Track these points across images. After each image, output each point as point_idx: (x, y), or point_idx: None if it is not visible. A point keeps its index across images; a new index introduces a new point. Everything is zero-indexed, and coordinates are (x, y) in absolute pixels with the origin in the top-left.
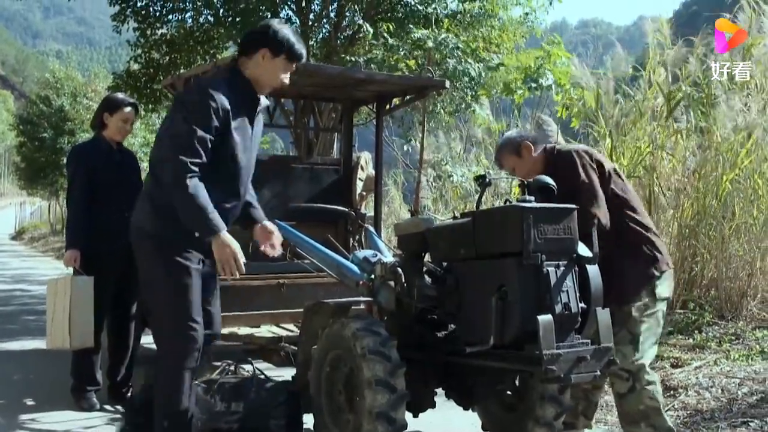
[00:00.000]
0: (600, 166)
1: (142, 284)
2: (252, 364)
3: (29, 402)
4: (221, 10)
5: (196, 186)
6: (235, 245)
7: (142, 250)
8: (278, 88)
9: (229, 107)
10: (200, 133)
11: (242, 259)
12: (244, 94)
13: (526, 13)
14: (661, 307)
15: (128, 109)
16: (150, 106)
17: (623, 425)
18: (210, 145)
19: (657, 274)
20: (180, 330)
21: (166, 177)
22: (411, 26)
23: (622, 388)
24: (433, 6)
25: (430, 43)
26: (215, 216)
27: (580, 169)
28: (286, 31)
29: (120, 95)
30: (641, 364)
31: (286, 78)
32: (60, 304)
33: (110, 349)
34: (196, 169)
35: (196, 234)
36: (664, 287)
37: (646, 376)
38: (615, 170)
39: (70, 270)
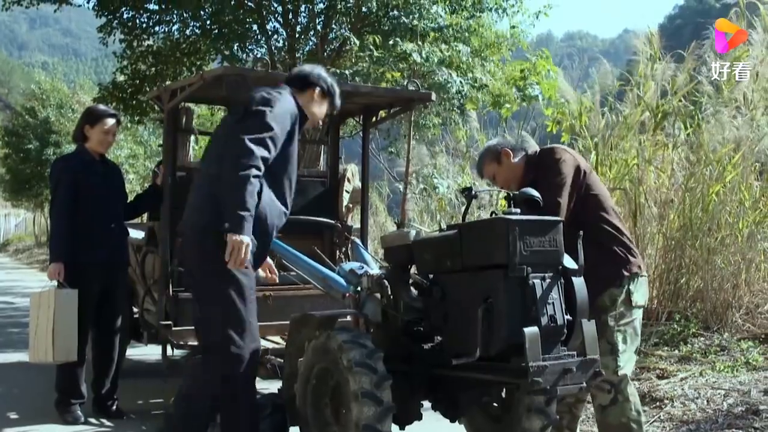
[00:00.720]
0: (576, 164)
1: (197, 285)
2: None
3: (13, 415)
4: (208, 22)
5: (255, 178)
6: (250, 245)
7: (203, 249)
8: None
9: (298, 116)
10: (275, 131)
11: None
12: (301, 114)
13: (513, 27)
14: (637, 315)
15: (110, 120)
16: (136, 117)
17: None
18: (278, 146)
19: (627, 274)
20: (242, 329)
21: (230, 161)
22: (397, 39)
23: (604, 400)
24: (420, 20)
25: (416, 57)
26: (250, 218)
27: (559, 164)
28: (333, 82)
29: (101, 107)
30: (623, 374)
31: (324, 119)
32: (43, 316)
33: (94, 361)
34: (261, 164)
35: (225, 225)
36: (640, 294)
37: (629, 388)
38: (590, 170)
39: (54, 283)
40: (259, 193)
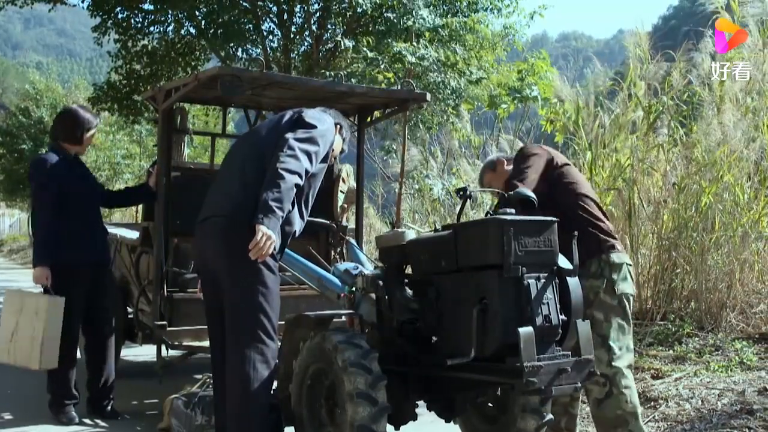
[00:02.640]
0: (549, 156)
1: (233, 279)
2: None
3: (7, 416)
4: (203, 23)
5: (296, 186)
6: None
7: (241, 243)
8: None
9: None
10: (320, 148)
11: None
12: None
13: (505, 28)
14: (625, 304)
15: (95, 123)
16: (131, 117)
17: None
18: (317, 164)
19: (603, 256)
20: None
21: (279, 162)
22: (390, 40)
23: (599, 393)
24: (413, 21)
25: (409, 57)
26: (281, 219)
27: (527, 156)
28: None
29: (88, 110)
30: (618, 367)
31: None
32: (27, 322)
33: (88, 363)
34: (303, 175)
35: (259, 216)
36: (626, 284)
37: (623, 380)
38: (565, 162)
39: (39, 287)
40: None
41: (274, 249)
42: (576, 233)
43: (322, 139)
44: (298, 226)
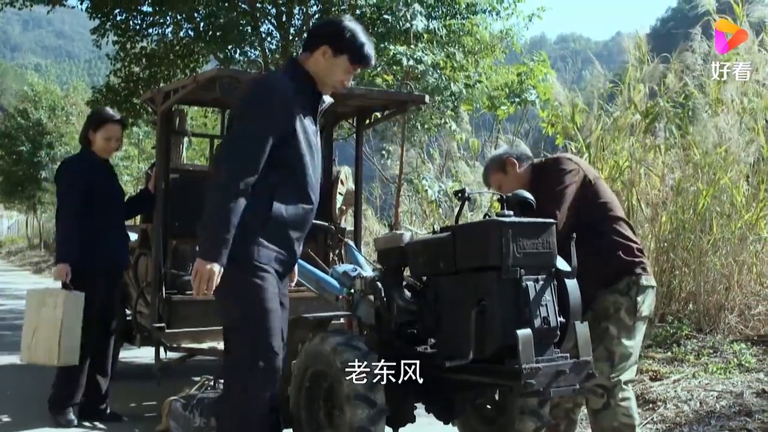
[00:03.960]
0: (582, 173)
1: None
2: None
3: (5, 418)
4: (202, 25)
5: (238, 198)
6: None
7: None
8: (338, 89)
9: (294, 102)
10: (259, 134)
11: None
12: (305, 89)
13: (501, 30)
14: (641, 327)
15: (112, 126)
16: (130, 120)
17: None
18: (269, 148)
19: (632, 278)
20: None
21: (216, 180)
22: (388, 43)
23: (596, 404)
24: (412, 23)
25: (405, 61)
26: (228, 240)
27: (562, 174)
28: (354, 30)
29: (107, 111)
30: (617, 380)
31: (346, 80)
32: (47, 318)
33: (89, 364)
34: (250, 177)
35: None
36: (646, 306)
37: (621, 393)
38: (597, 178)
39: (57, 284)
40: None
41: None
42: (574, 235)
43: (251, 111)
44: (301, 202)
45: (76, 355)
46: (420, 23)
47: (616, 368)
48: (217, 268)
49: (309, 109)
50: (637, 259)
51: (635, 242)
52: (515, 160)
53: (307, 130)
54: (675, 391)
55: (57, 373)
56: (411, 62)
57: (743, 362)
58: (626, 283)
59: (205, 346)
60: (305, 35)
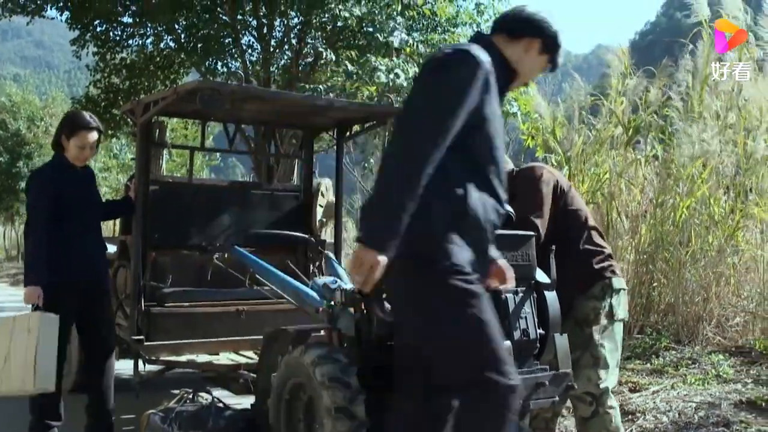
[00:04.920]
0: (555, 181)
1: None
2: (210, 392)
3: None
4: (183, 36)
5: (421, 181)
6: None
7: None
8: (515, 88)
9: (494, 85)
10: (455, 109)
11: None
12: (500, 77)
13: None
14: (619, 329)
15: (87, 134)
16: (110, 131)
17: None
18: (458, 129)
19: (605, 282)
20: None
21: (395, 154)
22: (369, 55)
23: (585, 412)
24: (390, 37)
25: (382, 76)
26: (401, 229)
27: (538, 183)
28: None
29: (82, 116)
30: (605, 387)
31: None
32: (19, 343)
33: (89, 388)
34: (436, 156)
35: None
36: (621, 309)
37: (609, 401)
38: (569, 186)
39: (28, 308)
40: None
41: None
42: (553, 247)
43: (436, 88)
44: (490, 206)
45: (53, 380)
46: (397, 38)
47: (601, 374)
48: (384, 260)
49: (499, 100)
50: (607, 263)
51: (605, 247)
52: None
53: (500, 122)
54: (654, 402)
55: (32, 401)
56: (391, 76)
57: (721, 373)
58: (600, 288)
59: (184, 358)
60: (509, 17)
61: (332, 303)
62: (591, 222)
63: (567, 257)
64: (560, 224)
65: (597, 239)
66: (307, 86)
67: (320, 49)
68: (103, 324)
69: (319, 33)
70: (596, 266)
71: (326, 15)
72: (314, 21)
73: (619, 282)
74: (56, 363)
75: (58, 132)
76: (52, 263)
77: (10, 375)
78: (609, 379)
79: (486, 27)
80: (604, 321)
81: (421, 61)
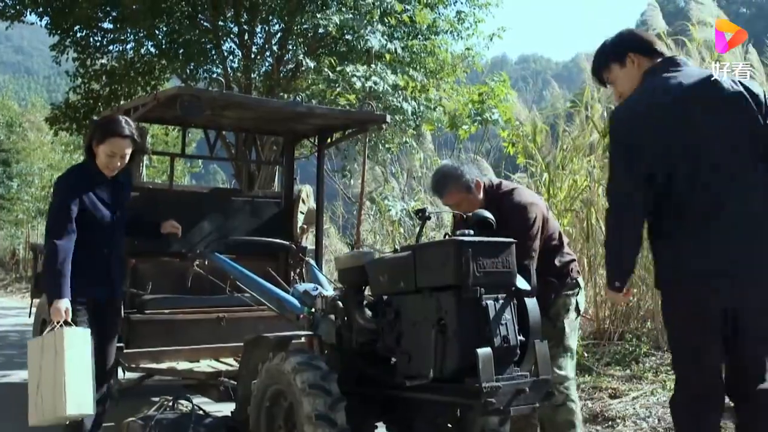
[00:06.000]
0: (541, 210)
1: None
2: (190, 400)
3: None
4: (163, 42)
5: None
6: None
7: None
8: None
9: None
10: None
11: None
12: None
13: (467, 49)
14: (578, 321)
15: (120, 141)
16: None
17: None
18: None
19: (574, 283)
20: None
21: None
22: (347, 62)
23: (558, 400)
24: (370, 42)
25: (358, 83)
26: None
27: (529, 212)
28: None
29: (118, 121)
30: (573, 378)
31: None
32: (48, 365)
33: None
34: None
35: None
36: (582, 302)
37: (574, 389)
38: (547, 210)
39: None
40: None
41: None
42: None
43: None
44: None
45: (90, 403)
46: (377, 43)
47: (571, 364)
48: None
49: None
50: (573, 266)
51: (571, 254)
52: (481, 183)
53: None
54: (634, 408)
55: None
56: (369, 83)
57: None
58: (569, 286)
59: (164, 366)
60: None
61: (313, 310)
62: (561, 239)
63: (544, 270)
64: (541, 246)
65: (566, 250)
66: (285, 95)
67: (300, 58)
68: (110, 344)
69: (300, 40)
70: (566, 269)
71: (307, 22)
72: (295, 28)
73: (580, 279)
74: (93, 382)
75: (89, 137)
76: (73, 280)
77: (43, 402)
78: (571, 368)
79: (467, 35)
80: (572, 314)
81: (403, 67)
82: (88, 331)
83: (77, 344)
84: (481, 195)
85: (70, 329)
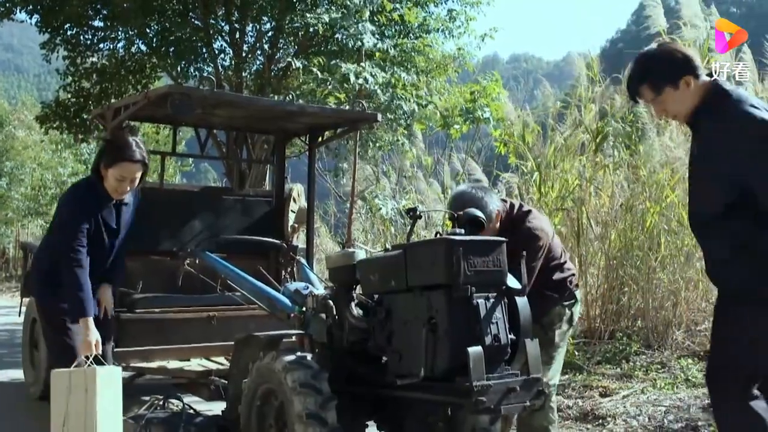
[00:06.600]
0: (549, 235)
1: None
2: (181, 399)
3: None
4: (154, 40)
5: None
6: None
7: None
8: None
9: None
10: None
11: None
12: None
13: (459, 49)
14: (571, 331)
15: (129, 166)
16: (80, 136)
17: None
18: None
19: (571, 296)
20: None
21: None
22: (338, 60)
23: (536, 405)
24: (362, 40)
25: (352, 78)
26: None
27: (539, 239)
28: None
29: (129, 145)
30: (554, 383)
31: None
32: (78, 403)
33: None
34: None
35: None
36: (576, 314)
37: (553, 396)
38: (554, 235)
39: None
40: None
41: None
42: (525, 252)
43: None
44: None
45: None
46: (369, 41)
47: (553, 372)
48: None
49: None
50: (572, 279)
51: (572, 269)
52: (501, 213)
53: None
54: (624, 406)
55: None
56: (360, 80)
57: (690, 377)
58: (566, 296)
59: (154, 365)
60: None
61: (304, 309)
62: (564, 257)
63: (543, 284)
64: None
65: (567, 265)
66: (275, 94)
67: (289, 59)
68: (106, 346)
69: (291, 39)
70: (564, 282)
71: (298, 21)
72: (287, 26)
73: (578, 293)
74: (121, 424)
75: (98, 158)
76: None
77: None
78: (557, 375)
79: (458, 33)
80: (565, 326)
81: (393, 66)
82: (119, 369)
83: (109, 386)
84: (497, 225)
85: (102, 370)
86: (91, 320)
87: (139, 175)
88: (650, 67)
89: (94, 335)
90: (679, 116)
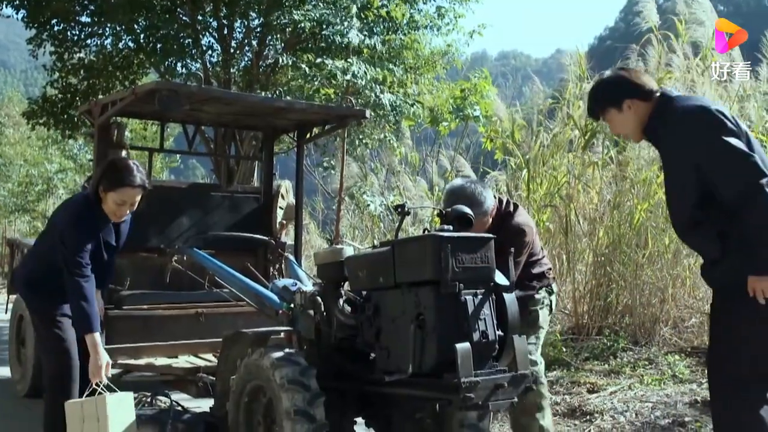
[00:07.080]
0: (532, 233)
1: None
2: (169, 396)
3: None
4: (142, 36)
5: None
6: None
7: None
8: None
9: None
10: None
11: None
12: None
13: (448, 45)
14: (550, 317)
15: (130, 191)
16: (67, 132)
17: (519, 417)
18: None
19: (551, 283)
20: None
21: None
22: (326, 57)
23: None
24: (348, 36)
25: (339, 76)
26: None
27: (525, 236)
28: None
29: (129, 169)
30: (542, 361)
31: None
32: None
33: None
34: None
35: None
36: (554, 303)
37: (543, 373)
38: (536, 234)
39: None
40: None
41: None
42: (512, 250)
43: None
44: None
45: None
46: (355, 37)
47: (538, 351)
48: None
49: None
50: (549, 270)
51: (548, 264)
52: (494, 209)
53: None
54: (611, 402)
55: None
56: (348, 76)
57: (677, 373)
58: (544, 284)
59: (142, 362)
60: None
61: (292, 305)
62: (542, 252)
63: (524, 277)
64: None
65: (544, 261)
66: (263, 91)
67: (277, 55)
68: None
69: (279, 35)
70: (543, 274)
71: (285, 17)
72: (274, 23)
73: (555, 286)
74: None
75: (97, 180)
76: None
77: None
78: (539, 354)
79: (446, 30)
80: (545, 310)
81: (382, 63)
82: (131, 395)
83: (120, 412)
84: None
85: (112, 397)
86: (98, 338)
87: (138, 198)
88: (598, 92)
89: (104, 358)
90: (628, 136)
